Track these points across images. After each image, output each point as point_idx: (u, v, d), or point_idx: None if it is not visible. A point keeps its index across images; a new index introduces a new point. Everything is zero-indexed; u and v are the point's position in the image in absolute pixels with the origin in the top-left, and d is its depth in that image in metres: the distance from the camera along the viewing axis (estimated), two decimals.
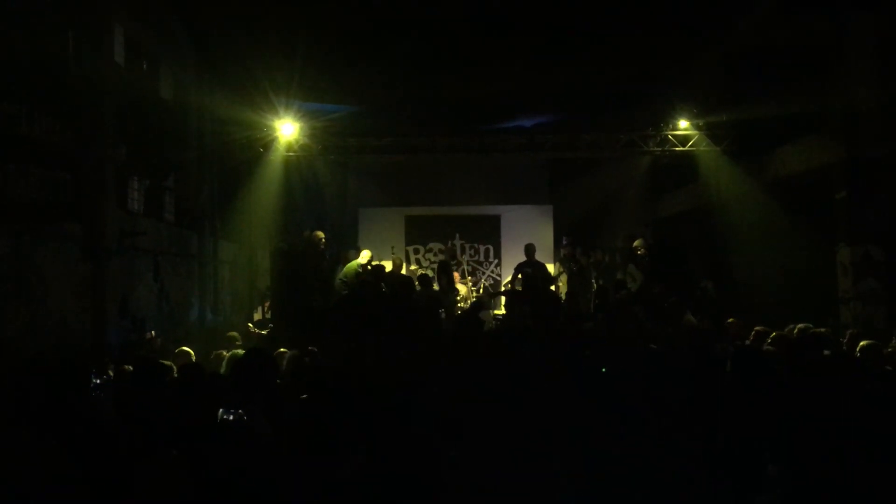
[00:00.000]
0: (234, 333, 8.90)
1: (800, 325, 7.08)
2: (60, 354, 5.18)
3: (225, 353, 7.41)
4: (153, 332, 9.00)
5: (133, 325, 9.74)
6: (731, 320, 8.43)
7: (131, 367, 5.37)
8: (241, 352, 5.53)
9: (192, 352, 6.74)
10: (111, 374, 5.84)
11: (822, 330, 7.06)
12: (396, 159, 14.89)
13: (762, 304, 10.76)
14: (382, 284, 10.73)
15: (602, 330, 8.39)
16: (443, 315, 11.53)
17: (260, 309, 13.74)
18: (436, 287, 12.50)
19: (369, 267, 11.40)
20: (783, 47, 10.54)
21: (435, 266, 16.14)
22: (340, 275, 11.72)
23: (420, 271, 14.61)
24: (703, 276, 11.71)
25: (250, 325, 8.93)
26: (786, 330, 7.03)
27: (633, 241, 12.55)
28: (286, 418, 3.96)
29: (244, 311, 13.75)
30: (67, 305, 8.49)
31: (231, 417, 3.65)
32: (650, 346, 6.24)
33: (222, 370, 5.73)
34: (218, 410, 3.68)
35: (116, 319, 9.39)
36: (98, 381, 5.08)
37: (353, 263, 11.54)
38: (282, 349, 6.77)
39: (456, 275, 13.52)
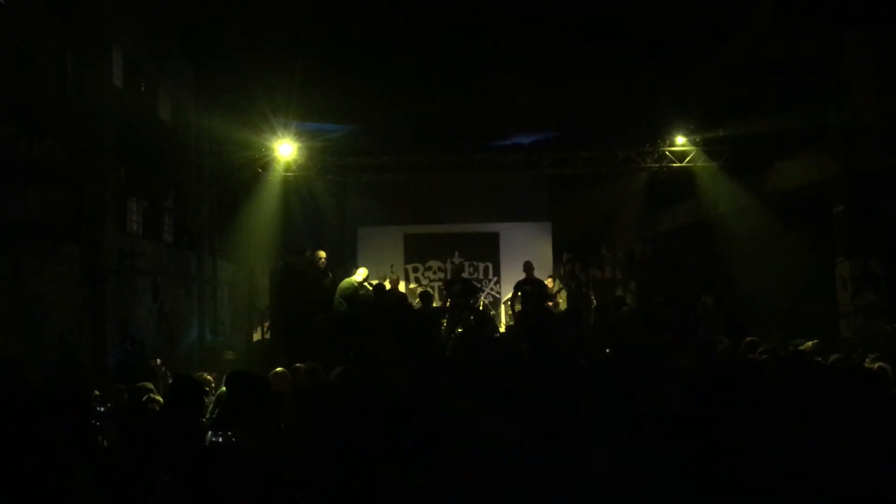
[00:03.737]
0: (231, 354, 8.91)
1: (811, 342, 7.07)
2: (63, 380, 5.17)
3: (207, 375, 7.39)
4: (158, 360, 8.96)
5: (132, 347, 9.72)
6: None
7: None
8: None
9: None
10: (124, 396, 5.84)
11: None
12: (395, 178, 14.92)
13: (762, 318, 10.76)
14: (381, 302, 10.75)
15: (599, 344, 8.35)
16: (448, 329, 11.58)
17: (259, 329, 13.71)
18: (437, 304, 12.52)
19: (367, 284, 11.40)
20: (780, 63, 10.60)
21: (436, 284, 16.17)
22: (338, 293, 11.72)
23: (419, 289, 14.61)
24: (703, 291, 11.71)
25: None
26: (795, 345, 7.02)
27: (633, 256, 12.56)
28: (282, 438, 3.95)
29: (243, 331, 13.72)
30: (66, 327, 8.46)
31: (220, 440, 3.64)
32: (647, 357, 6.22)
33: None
34: (206, 433, 3.67)
35: (116, 341, 9.37)
36: (102, 409, 5.08)
37: (349, 280, 11.52)
38: (279, 368, 6.74)
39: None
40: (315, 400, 4.53)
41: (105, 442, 4.56)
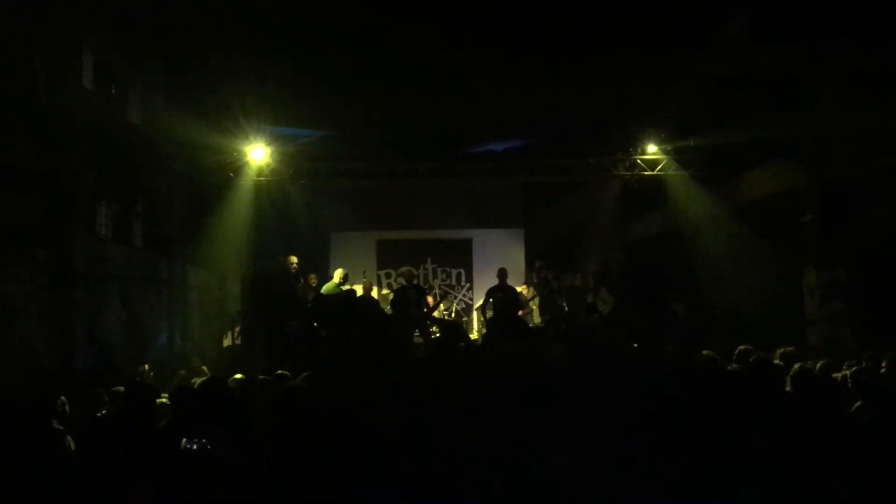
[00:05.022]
0: (197, 361, 8.85)
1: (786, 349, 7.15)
2: (30, 385, 5.11)
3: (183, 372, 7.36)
4: (147, 366, 8.88)
5: (100, 353, 9.60)
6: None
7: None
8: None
9: None
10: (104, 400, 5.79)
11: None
12: (368, 184, 14.89)
13: (732, 326, 10.87)
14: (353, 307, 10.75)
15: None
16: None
17: (230, 334, 13.60)
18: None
19: (344, 287, 11.46)
20: (750, 73, 10.74)
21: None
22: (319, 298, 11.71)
23: (392, 295, 14.57)
24: (674, 299, 11.80)
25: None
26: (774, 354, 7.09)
27: (605, 264, 12.63)
28: (257, 444, 3.94)
29: (214, 336, 13.60)
30: (35, 332, 8.34)
31: (194, 447, 3.62)
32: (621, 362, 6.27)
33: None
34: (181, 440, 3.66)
35: (84, 346, 9.25)
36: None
37: (331, 284, 11.55)
38: (238, 375, 6.71)
39: (430, 299, 13.47)
40: (285, 405, 4.53)
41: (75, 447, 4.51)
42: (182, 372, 8.50)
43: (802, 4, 9.38)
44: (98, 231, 10.23)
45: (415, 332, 11.77)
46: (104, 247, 10.13)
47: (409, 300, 12.12)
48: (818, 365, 6.52)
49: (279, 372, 6.38)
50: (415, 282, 13.00)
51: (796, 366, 5.98)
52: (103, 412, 5.55)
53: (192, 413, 4.04)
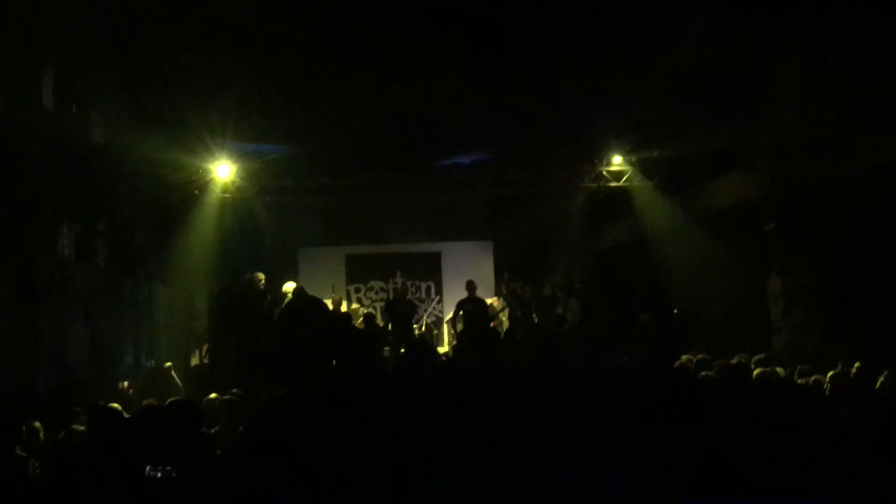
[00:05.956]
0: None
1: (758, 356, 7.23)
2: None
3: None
4: (126, 383, 8.74)
5: (63, 375, 9.42)
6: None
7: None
8: None
9: None
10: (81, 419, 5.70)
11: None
12: (335, 198, 14.84)
13: (699, 335, 10.98)
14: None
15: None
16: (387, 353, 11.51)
17: (197, 353, 13.43)
18: (380, 324, 12.46)
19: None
20: (711, 83, 10.88)
21: (379, 304, 16.08)
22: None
23: (362, 310, 14.52)
24: (642, 309, 11.89)
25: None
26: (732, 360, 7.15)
27: (569, 274, 12.69)
28: (221, 466, 3.88)
29: (181, 355, 13.41)
30: None
31: (159, 475, 3.56)
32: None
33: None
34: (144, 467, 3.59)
35: (46, 369, 9.08)
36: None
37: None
38: (212, 395, 6.64)
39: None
40: (255, 424, 4.48)
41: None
42: (149, 364, 8.33)
43: (757, 5, 9.51)
44: (60, 251, 10.06)
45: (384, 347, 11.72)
46: (65, 267, 9.97)
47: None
48: (794, 371, 6.61)
49: (241, 391, 6.33)
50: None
51: (758, 371, 6.05)
52: (64, 436, 5.44)
53: (157, 438, 3.97)
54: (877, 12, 8.02)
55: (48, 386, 8.86)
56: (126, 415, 5.24)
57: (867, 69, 8.24)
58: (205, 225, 13.36)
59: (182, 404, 4.55)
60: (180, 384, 9.50)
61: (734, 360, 7.02)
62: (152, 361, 9.13)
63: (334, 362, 8.57)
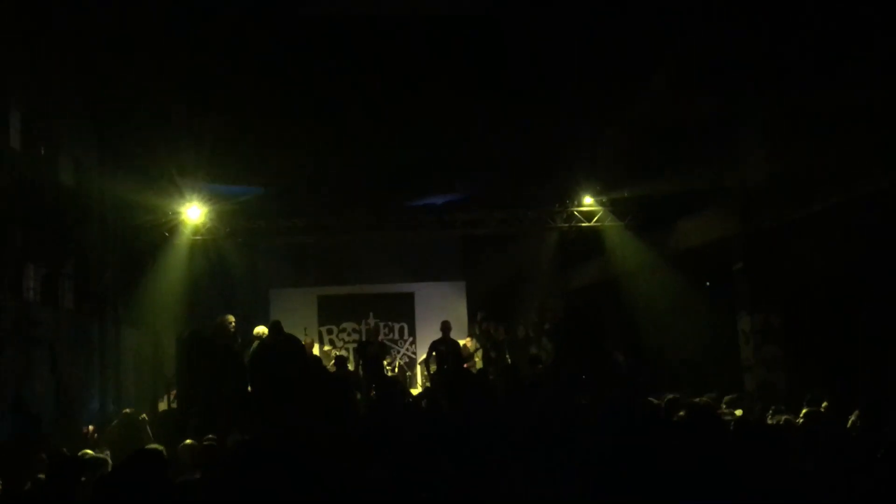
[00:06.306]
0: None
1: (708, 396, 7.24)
2: None
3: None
4: (91, 427, 8.54)
5: (27, 422, 9.20)
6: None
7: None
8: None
9: None
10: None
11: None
12: (307, 240, 14.78)
13: (671, 373, 11.00)
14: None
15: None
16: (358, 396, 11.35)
17: (166, 398, 13.19)
18: (350, 367, 12.33)
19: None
20: (679, 126, 11.06)
21: (351, 346, 15.96)
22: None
23: (335, 352, 14.39)
24: (613, 348, 11.91)
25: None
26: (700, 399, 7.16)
27: (542, 313, 12.69)
28: None
29: (149, 400, 13.16)
30: None
31: None
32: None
33: None
34: None
35: (10, 415, 8.87)
36: None
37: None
38: (188, 441, 6.51)
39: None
40: (222, 470, 4.37)
41: None
42: (116, 421, 8.24)
43: (722, 53, 9.72)
44: (25, 294, 9.89)
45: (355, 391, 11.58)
46: (30, 310, 9.79)
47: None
48: (767, 413, 6.63)
49: (211, 436, 6.21)
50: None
51: (733, 412, 6.07)
52: (28, 485, 5.31)
53: (124, 488, 3.85)
54: (833, 62, 8.25)
55: (11, 433, 8.64)
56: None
57: (824, 113, 8.43)
58: (174, 267, 13.21)
59: (149, 453, 4.43)
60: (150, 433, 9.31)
61: (701, 399, 7.04)
62: (128, 409, 8.93)
63: (304, 407, 8.44)
